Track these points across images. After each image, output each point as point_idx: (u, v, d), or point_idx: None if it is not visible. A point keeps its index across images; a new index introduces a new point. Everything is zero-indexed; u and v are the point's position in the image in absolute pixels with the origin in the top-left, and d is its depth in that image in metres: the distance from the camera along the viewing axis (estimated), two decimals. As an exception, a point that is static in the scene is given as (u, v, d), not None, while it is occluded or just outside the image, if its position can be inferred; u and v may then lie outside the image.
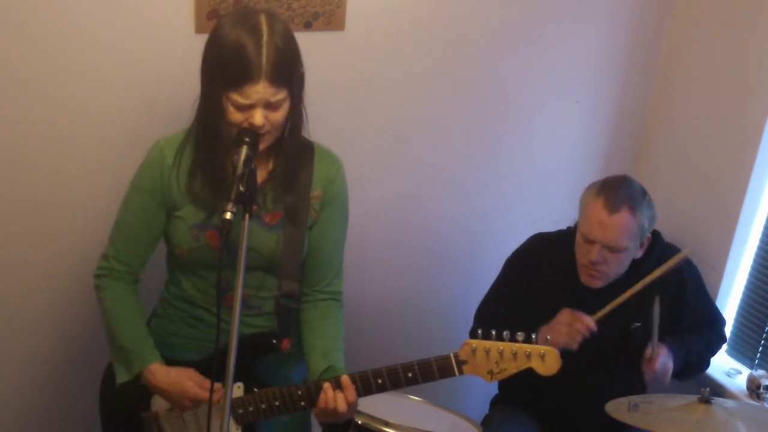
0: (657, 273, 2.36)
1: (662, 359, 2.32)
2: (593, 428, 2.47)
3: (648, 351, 2.32)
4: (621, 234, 2.28)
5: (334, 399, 1.90)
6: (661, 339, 2.37)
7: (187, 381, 1.98)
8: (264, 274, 2.03)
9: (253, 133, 1.80)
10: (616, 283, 2.41)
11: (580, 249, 2.39)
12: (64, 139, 2.35)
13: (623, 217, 2.27)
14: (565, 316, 2.34)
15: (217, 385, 1.75)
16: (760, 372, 2.60)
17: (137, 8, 2.26)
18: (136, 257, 2.05)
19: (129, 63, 2.31)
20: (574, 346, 2.30)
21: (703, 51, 2.78)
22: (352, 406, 1.91)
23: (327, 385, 1.91)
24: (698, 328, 2.52)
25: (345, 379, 1.90)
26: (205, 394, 1.92)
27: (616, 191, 2.30)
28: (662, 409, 2.15)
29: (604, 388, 2.39)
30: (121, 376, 2.02)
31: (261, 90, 1.76)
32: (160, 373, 1.99)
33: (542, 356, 1.78)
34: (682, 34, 2.86)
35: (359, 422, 2.17)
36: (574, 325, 2.31)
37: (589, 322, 2.32)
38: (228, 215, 1.66)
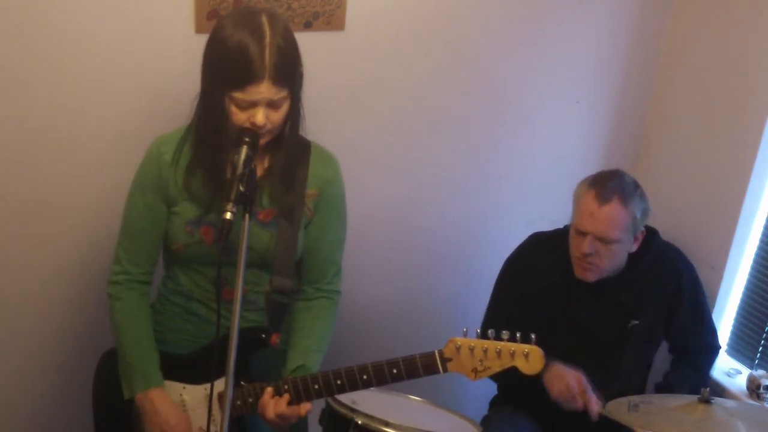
0: None
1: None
2: (592, 428, 2.46)
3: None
4: (611, 225, 2.29)
5: (266, 404, 1.93)
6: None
7: (180, 425, 2.01)
8: (259, 271, 2.04)
9: (253, 133, 1.80)
10: (615, 279, 2.42)
11: (573, 242, 2.40)
12: (64, 139, 2.35)
13: (613, 208, 2.28)
14: (576, 382, 2.31)
15: None
16: (760, 372, 2.59)
17: (137, 8, 2.26)
18: (146, 256, 2.06)
19: (129, 63, 2.31)
20: (560, 403, 2.32)
21: (703, 51, 2.78)
22: (281, 418, 1.92)
23: (269, 389, 1.94)
24: (686, 339, 2.55)
25: (274, 390, 1.93)
26: None
27: (607, 183, 2.32)
28: (662, 409, 2.15)
29: (603, 388, 2.39)
30: (126, 392, 2.05)
31: (264, 90, 1.78)
32: (160, 400, 2.01)
33: (526, 355, 1.79)
34: (682, 34, 2.86)
35: (359, 422, 2.16)
36: (575, 397, 2.30)
37: (593, 408, 2.29)
38: (228, 215, 1.67)
